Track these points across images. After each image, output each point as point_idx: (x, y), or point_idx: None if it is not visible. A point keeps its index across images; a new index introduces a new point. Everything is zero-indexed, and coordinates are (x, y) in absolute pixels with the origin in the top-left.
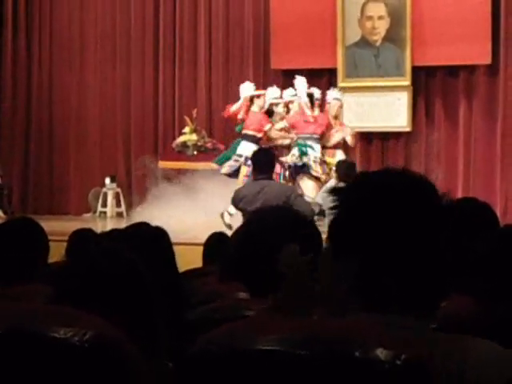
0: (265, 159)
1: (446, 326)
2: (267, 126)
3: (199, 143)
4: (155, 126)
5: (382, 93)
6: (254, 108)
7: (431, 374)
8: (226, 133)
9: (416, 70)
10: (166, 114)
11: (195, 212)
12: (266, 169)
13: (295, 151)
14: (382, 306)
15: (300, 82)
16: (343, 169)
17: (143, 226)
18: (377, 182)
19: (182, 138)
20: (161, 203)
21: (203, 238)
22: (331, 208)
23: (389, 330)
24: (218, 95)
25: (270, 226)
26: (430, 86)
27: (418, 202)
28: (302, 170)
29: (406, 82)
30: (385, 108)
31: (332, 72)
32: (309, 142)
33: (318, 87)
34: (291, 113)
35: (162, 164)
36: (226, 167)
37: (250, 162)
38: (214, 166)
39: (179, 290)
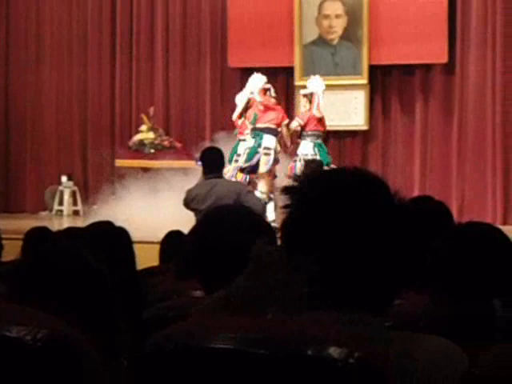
0: (214, 158)
1: (401, 324)
2: (290, 122)
3: (156, 141)
4: (112, 125)
5: (339, 91)
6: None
7: (385, 372)
8: (184, 131)
9: (373, 69)
10: (123, 112)
11: (152, 210)
12: (215, 167)
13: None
14: (336, 304)
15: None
16: (312, 168)
17: (105, 225)
18: (330, 180)
19: (138, 137)
20: (117, 201)
21: (160, 236)
22: (284, 207)
23: (343, 327)
24: (175, 93)
25: (224, 223)
26: (387, 84)
27: (370, 201)
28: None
29: (363, 80)
30: (342, 106)
31: (289, 70)
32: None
33: (275, 86)
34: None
35: (119, 162)
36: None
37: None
38: (172, 164)
39: (137, 288)
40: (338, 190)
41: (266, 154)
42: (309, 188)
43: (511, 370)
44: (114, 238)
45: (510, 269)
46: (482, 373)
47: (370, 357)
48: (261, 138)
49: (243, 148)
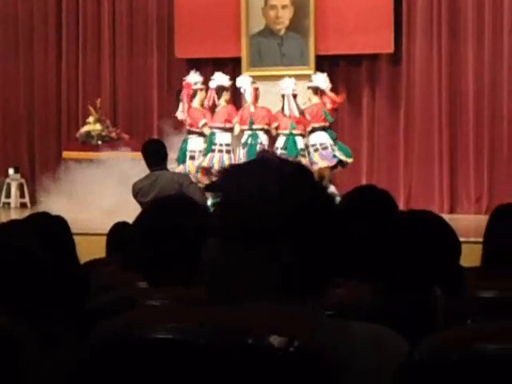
0: (156, 150)
1: (342, 312)
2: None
3: (103, 133)
4: (59, 117)
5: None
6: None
7: (325, 359)
8: (131, 122)
9: (320, 59)
10: (70, 104)
11: (100, 202)
12: (158, 160)
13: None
14: (275, 295)
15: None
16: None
17: (43, 216)
18: (253, 170)
19: (85, 128)
20: (65, 193)
21: (107, 227)
22: (214, 204)
23: (283, 317)
24: (121, 85)
25: (167, 214)
26: (334, 74)
27: (299, 188)
28: None
29: (310, 70)
30: None
31: (236, 61)
32: None
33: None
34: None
35: (66, 154)
36: None
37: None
38: (119, 155)
39: (79, 279)
40: (266, 179)
41: None
42: (235, 180)
43: (451, 355)
44: (52, 228)
45: (451, 256)
46: (421, 358)
47: (310, 345)
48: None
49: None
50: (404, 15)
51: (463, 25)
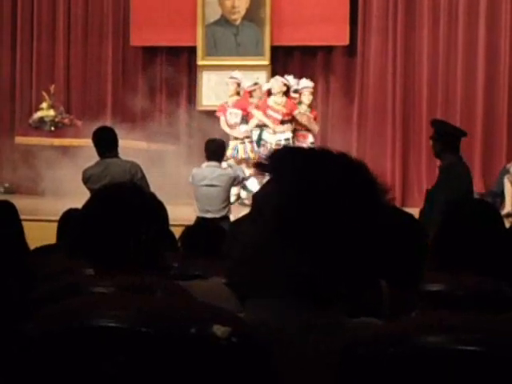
0: (108, 137)
1: None
2: None
3: (56, 119)
4: (12, 101)
5: (241, 72)
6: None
7: (267, 350)
8: (84, 109)
9: (275, 50)
10: (24, 88)
11: (52, 188)
12: (110, 147)
13: None
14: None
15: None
16: (212, 147)
17: None
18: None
19: (39, 114)
20: (19, 179)
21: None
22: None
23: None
24: (76, 71)
25: (115, 201)
26: (289, 65)
27: (359, 182)
28: None
29: (265, 61)
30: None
31: (192, 50)
32: None
33: (178, 66)
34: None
35: (19, 139)
36: None
37: None
38: (72, 142)
39: (25, 265)
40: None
41: None
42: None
43: (389, 347)
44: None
45: (396, 249)
46: (363, 349)
47: (252, 335)
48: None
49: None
50: (360, 8)
51: (418, 18)
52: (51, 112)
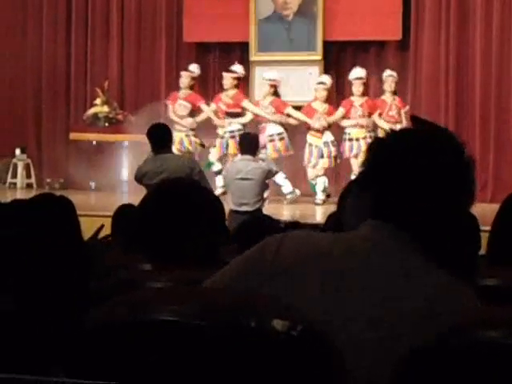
0: (162, 134)
1: None
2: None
3: (110, 115)
4: (67, 97)
5: (294, 67)
6: None
7: (328, 344)
8: (137, 105)
9: (327, 45)
10: (78, 85)
11: (105, 183)
12: (164, 143)
13: None
14: None
15: None
16: (247, 141)
17: (48, 196)
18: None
19: (93, 110)
20: (73, 175)
21: (112, 209)
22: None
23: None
24: (129, 67)
25: (173, 196)
26: (341, 60)
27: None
28: None
29: (318, 56)
30: (296, 82)
31: (244, 46)
32: None
33: (230, 61)
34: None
35: (73, 136)
36: None
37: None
38: (125, 138)
39: (84, 260)
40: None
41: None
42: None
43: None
44: (56, 209)
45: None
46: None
47: (313, 329)
48: None
49: None
50: (413, 1)
51: (472, 12)
52: (105, 108)
